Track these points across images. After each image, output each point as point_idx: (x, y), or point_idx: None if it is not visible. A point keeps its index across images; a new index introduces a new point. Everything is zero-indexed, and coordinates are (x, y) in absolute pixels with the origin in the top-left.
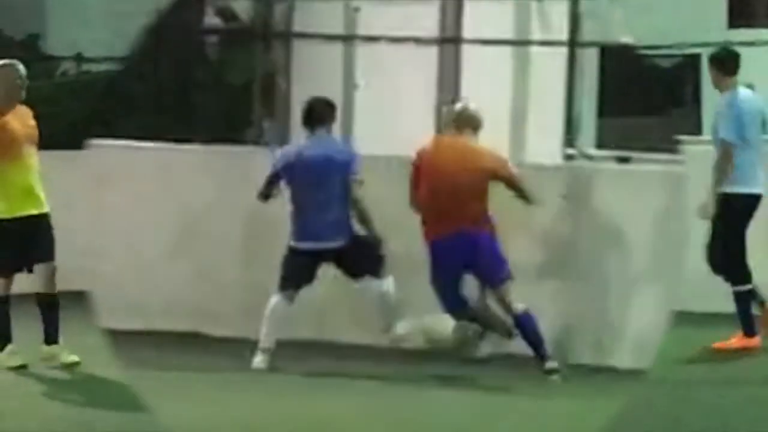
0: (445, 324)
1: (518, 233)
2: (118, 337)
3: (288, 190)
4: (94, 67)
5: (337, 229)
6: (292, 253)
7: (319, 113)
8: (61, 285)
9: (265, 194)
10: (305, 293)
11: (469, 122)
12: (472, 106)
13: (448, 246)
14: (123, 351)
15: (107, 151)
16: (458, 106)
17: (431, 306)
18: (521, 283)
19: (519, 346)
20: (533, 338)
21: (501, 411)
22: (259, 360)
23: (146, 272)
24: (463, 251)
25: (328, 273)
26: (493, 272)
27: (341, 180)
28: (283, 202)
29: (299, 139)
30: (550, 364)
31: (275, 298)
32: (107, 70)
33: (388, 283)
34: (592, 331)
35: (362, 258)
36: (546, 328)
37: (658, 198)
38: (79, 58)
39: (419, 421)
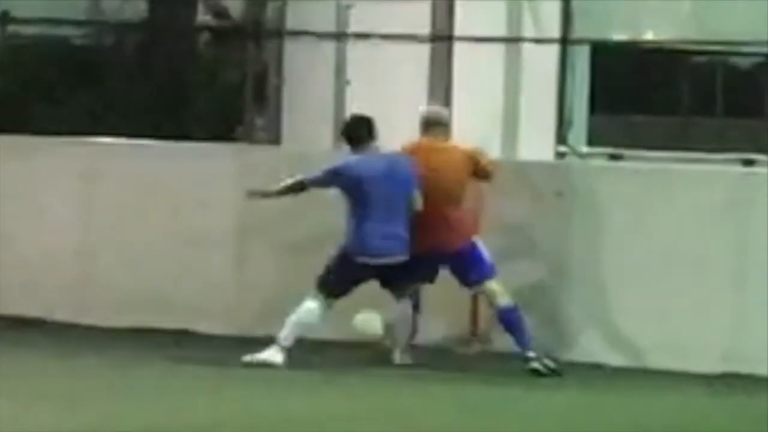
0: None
1: (513, 231)
2: (109, 335)
3: (349, 203)
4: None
5: (398, 243)
6: (350, 265)
7: (357, 135)
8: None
9: (287, 193)
10: (304, 293)
11: (436, 121)
12: (434, 107)
13: (426, 259)
14: (114, 348)
15: (98, 148)
16: (420, 108)
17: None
18: (517, 280)
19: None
20: (514, 332)
21: (497, 407)
22: (275, 353)
23: (138, 270)
24: (440, 263)
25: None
26: (471, 274)
27: (405, 194)
28: (274, 201)
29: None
30: (529, 354)
31: (314, 304)
32: (44, 34)
33: (405, 306)
34: (585, 329)
35: (411, 275)
36: (536, 323)
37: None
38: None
39: (415, 418)
